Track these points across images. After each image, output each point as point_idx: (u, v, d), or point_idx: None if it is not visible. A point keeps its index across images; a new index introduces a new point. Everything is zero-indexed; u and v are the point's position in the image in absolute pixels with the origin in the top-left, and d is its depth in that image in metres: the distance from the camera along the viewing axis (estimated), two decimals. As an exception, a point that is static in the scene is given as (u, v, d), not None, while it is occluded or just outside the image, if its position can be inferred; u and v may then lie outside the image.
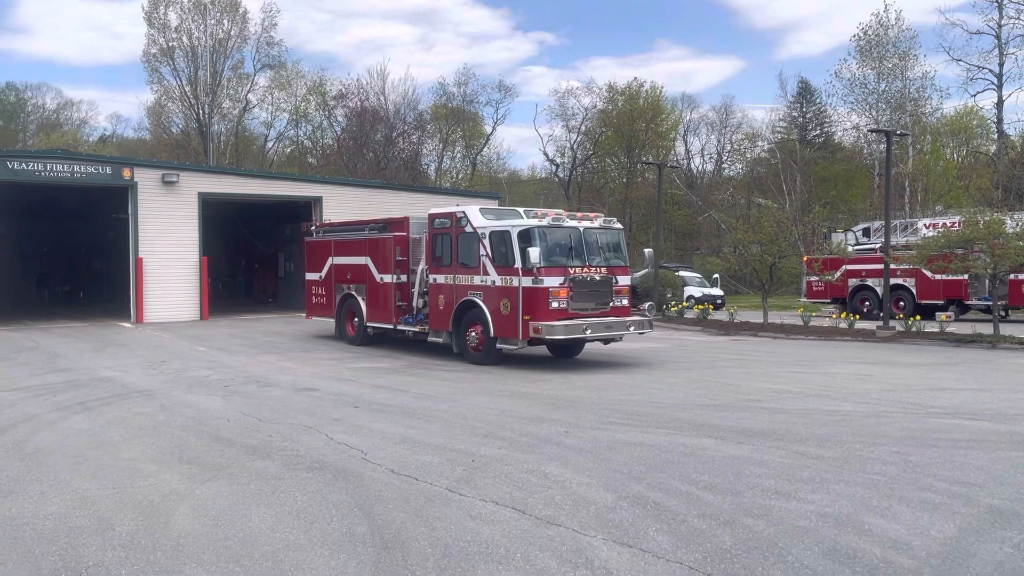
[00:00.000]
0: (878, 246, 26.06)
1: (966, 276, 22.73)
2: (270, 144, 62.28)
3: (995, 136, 48.66)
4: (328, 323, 19.48)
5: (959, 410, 10.09)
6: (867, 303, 26.60)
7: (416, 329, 16.32)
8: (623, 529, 5.55)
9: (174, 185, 24.99)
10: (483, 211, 15.07)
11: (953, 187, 44.15)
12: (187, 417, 9.77)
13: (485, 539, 5.39)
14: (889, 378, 13.09)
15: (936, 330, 19.22)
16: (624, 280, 14.83)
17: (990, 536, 5.47)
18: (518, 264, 13.77)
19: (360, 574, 4.85)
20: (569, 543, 5.30)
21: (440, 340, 15.64)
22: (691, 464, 7.30)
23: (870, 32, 46.01)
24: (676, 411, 10.04)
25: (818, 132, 57.86)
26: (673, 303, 27.22)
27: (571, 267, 13.94)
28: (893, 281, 23.73)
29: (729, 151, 62.85)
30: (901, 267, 23.75)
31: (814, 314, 24.18)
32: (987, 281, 21.46)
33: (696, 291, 31.78)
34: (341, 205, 26.82)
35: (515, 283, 13.85)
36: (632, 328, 14.75)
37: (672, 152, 59.09)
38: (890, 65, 45.75)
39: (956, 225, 22.03)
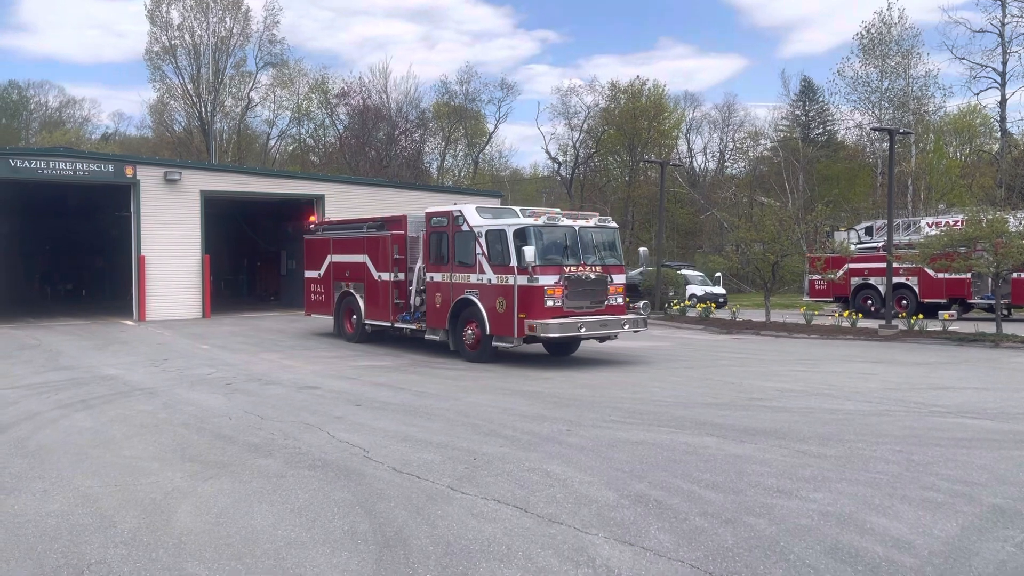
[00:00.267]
0: (881, 245, 26.03)
1: (969, 275, 22.67)
2: (272, 142, 62.34)
3: (998, 135, 48.56)
4: (329, 321, 19.53)
5: (962, 409, 10.07)
6: (870, 302, 26.57)
7: (413, 327, 16.43)
8: (625, 527, 5.55)
9: (176, 183, 25.00)
10: (479, 210, 15.14)
11: (956, 186, 44.05)
12: (189, 415, 9.78)
13: (487, 537, 5.39)
14: (891, 377, 13.08)
15: (939, 329, 19.19)
16: (619, 279, 14.91)
17: (992, 535, 5.46)
18: (514, 263, 13.88)
19: (362, 572, 4.86)
20: (571, 541, 5.30)
21: (437, 338, 15.73)
22: (693, 462, 7.30)
23: (873, 30, 45.95)
24: (678, 409, 10.04)
25: (821, 130, 57.80)
26: (675, 301, 27.20)
27: (566, 266, 14.04)
28: (896, 280, 23.68)
29: (732, 149, 62.80)
30: (904, 266, 23.70)
31: (816, 313, 24.16)
32: (990, 280, 21.39)
33: (698, 290, 31.75)
34: (343, 203, 26.84)
35: (511, 281, 13.95)
36: (627, 326, 14.84)
37: (674, 150, 59.02)
38: (893, 63, 45.69)
39: (959, 224, 22.00)
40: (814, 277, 27.36)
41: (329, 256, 19.29)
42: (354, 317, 18.38)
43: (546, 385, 12.19)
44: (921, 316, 20.85)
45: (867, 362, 15.07)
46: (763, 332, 21.04)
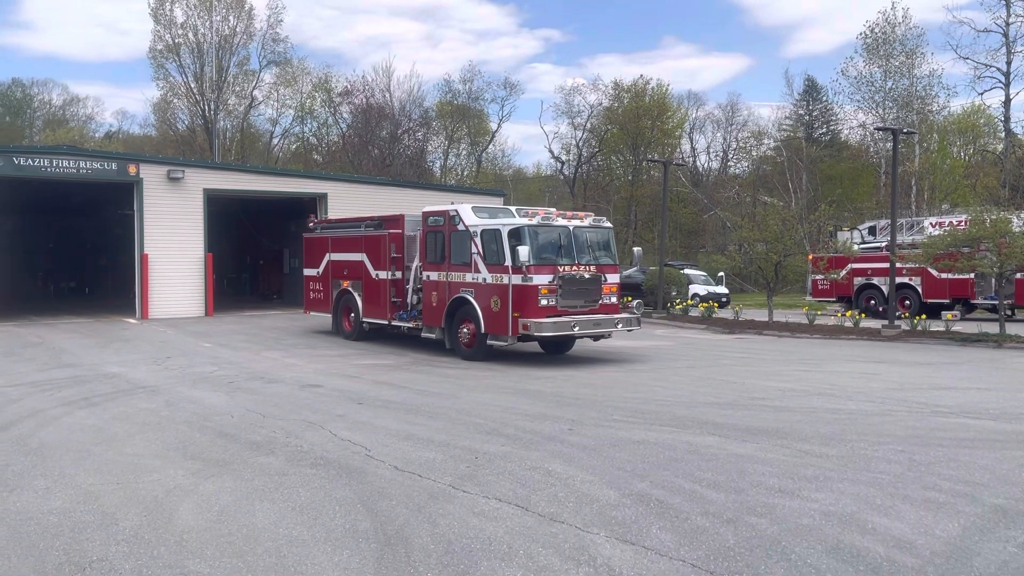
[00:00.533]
0: (884, 245, 25.98)
1: (972, 275, 22.64)
2: (275, 141, 62.34)
3: (1002, 135, 48.43)
4: (330, 319, 19.60)
5: (964, 409, 10.06)
6: (872, 302, 26.53)
7: (410, 325, 16.56)
8: (626, 527, 5.55)
9: (179, 181, 25.02)
10: (475, 209, 15.26)
11: (960, 186, 43.98)
12: (191, 413, 9.79)
13: (488, 536, 5.39)
14: (894, 377, 13.07)
15: (942, 329, 19.16)
16: (613, 278, 15.04)
17: (994, 535, 5.45)
18: (508, 262, 14.00)
19: (363, 570, 4.86)
20: (572, 540, 5.30)
21: (433, 336, 15.85)
22: (695, 462, 7.29)
23: (877, 30, 45.90)
24: (680, 409, 10.03)
25: (824, 130, 57.73)
26: (678, 301, 27.18)
27: (560, 265, 14.16)
28: (899, 280, 23.65)
29: (735, 149, 62.77)
30: (907, 266, 23.66)
31: (819, 313, 24.13)
32: (993, 280, 21.36)
33: (701, 289, 31.74)
34: (346, 202, 26.87)
35: (505, 281, 14.06)
36: (620, 325, 14.96)
37: (678, 150, 58.99)
38: (897, 63, 45.65)
39: (962, 224, 21.96)
40: (817, 277, 27.32)
41: (328, 255, 19.44)
42: (352, 315, 18.54)
43: (548, 384, 12.19)
44: (924, 316, 20.83)
45: (870, 362, 15.05)
46: (766, 332, 21.03)
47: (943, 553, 5.11)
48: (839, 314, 24.52)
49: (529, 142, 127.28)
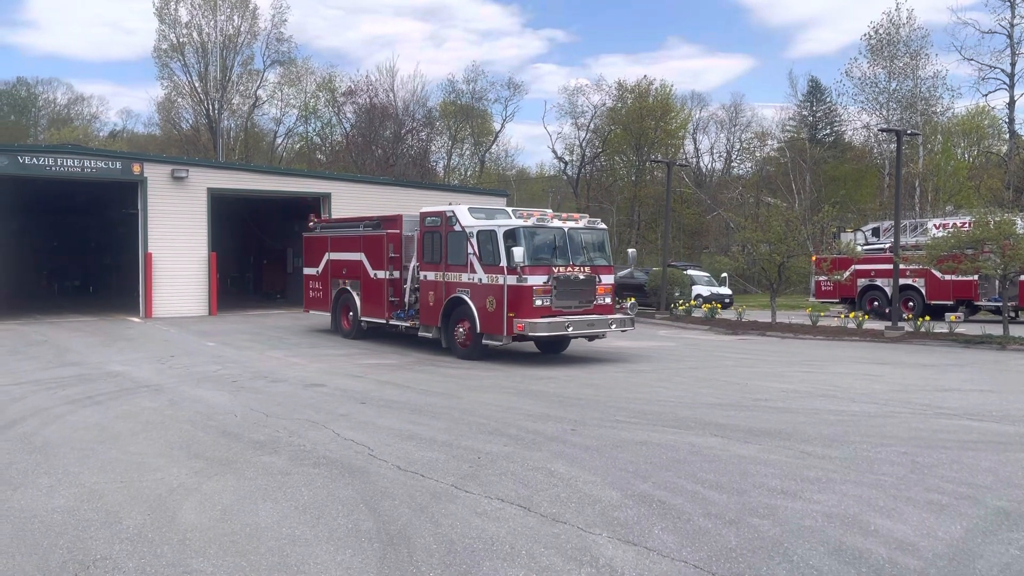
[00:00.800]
0: (887, 246, 25.94)
1: (976, 277, 22.60)
2: (279, 140, 62.44)
3: (1006, 136, 48.36)
4: (329, 317, 19.71)
5: (967, 411, 10.05)
6: (876, 303, 26.50)
7: (407, 324, 16.74)
8: (628, 527, 5.55)
9: (183, 180, 25.06)
10: (472, 210, 15.41)
11: (964, 187, 43.92)
12: (195, 412, 9.81)
13: (490, 536, 5.39)
14: (897, 379, 13.05)
15: (945, 331, 19.14)
16: (607, 279, 15.19)
17: (997, 538, 5.45)
18: (503, 263, 14.15)
19: (365, 569, 4.87)
20: (574, 541, 5.30)
21: (430, 335, 16.02)
22: (697, 463, 7.29)
23: (881, 31, 45.84)
24: (683, 410, 10.03)
25: (828, 131, 57.62)
26: (681, 302, 27.17)
27: (555, 266, 14.33)
28: (902, 281, 23.62)
29: (738, 150, 62.75)
30: (910, 267, 23.63)
31: (822, 314, 24.10)
32: (997, 282, 21.31)
33: (704, 290, 31.74)
34: (350, 202, 26.92)
35: (500, 281, 14.22)
36: (614, 326, 15.10)
37: (681, 150, 58.96)
38: (901, 64, 45.57)
39: (966, 225, 21.90)
40: (820, 278, 27.31)
41: (327, 254, 19.65)
42: (351, 314, 18.76)
43: (551, 384, 12.20)
44: (927, 318, 20.79)
45: (873, 364, 15.04)
46: (769, 333, 21.02)
47: (945, 555, 5.11)
48: (842, 315, 24.48)
49: (532, 142, 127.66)
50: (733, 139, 62.78)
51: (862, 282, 27.01)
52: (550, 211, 15.43)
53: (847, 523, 5.66)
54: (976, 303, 24.66)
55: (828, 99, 56.97)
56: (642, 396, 11.17)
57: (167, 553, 5.12)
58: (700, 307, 26.08)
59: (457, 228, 15.17)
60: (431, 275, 15.86)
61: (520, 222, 14.35)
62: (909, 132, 27.60)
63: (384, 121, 54.77)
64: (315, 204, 27.73)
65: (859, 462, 7.38)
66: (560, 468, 7.09)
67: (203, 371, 13.43)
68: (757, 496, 6.29)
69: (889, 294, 24.03)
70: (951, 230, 22.60)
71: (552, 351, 16.29)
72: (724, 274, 34.07)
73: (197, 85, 54.92)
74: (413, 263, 16.67)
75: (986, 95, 46.74)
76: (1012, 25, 43.34)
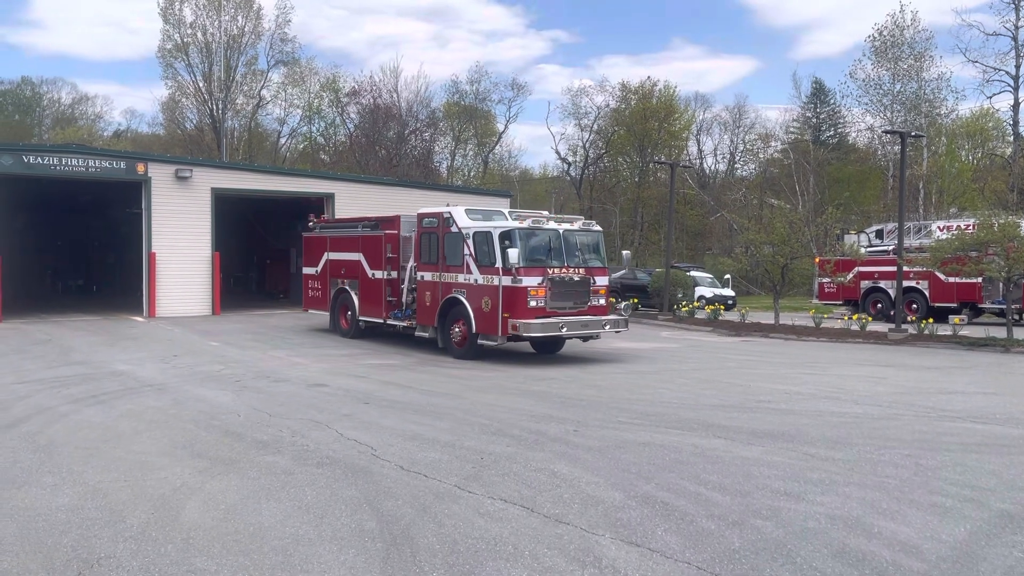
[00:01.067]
0: (891, 248, 25.91)
1: (980, 279, 22.57)
2: (283, 140, 62.57)
3: (1011, 138, 48.28)
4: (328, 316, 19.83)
5: (971, 414, 10.03)
6: (879, 305, 26.45)
7: (405, 324, 16.90)
8: (631, 528, 5.55)
9: (187, 180, 25.09)
10: (468, 212, 15.54)
11: (968, 189, 43.84)
12: (198, 411, 9.82)
13: (493, 536, 5.40)
14: (901, 381, 13.03)
15: (949, 333, 19.10)
16: (602, 280, 15.32)
17: (1000, 540, 5.44)
18: (499, 264, 14.29)
19: (368, 569, 4.87)
20: (577, 542, 5.30)
21: (426, 335, 16.17)
22: (700, 464, 7.29)
23: (885, 33, 45.80)
24: (686, 411, 10.03)
25: (832, 133, 57.64)
26: (684, 303, 27.17)
27: (550, 267, 14.48)
28: (906, 283, 23.58)
29: (742, 151, 62.72)
30: (914, 269, 23.60)
31: (826, 316, 24.07)
32: (1001, 284, 21.28)
33: (707, 291, 31.71)
34: (353, 202, 26.94)
35: (496, 282, 14.36)
36: (608, 327, 15.24)
37: (684, 152, 58.96)
38: (905, 66, 45.51)
39: (970, 228, 21.88)
40: (824, 280, 27.26)
41: (326, 254, 19.81)
42: (349, 313, 18.90)
43: (553, 385, 12.20)
44: (931, 320, 20.75)
45: (876, 366, 15.02)
46: (772, 335, 20.99)
47: (949, 558, 5.10)
48: (845, 317, 24.45)
49: (536, 143, 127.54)
50: (737, 141, 62.84)
51: (866, 284, 26.97)
52: (546, 213, 15.57)
53: (850, 525, 5.66)
54: (980, 305, 24.61)
55: (832, 101, 57.07)
56: (645, 397, 11.17)
57: (171, 552, 5.13)
58: (703, 308, 26.06)
59: (454, 229, 15.28)
60: (428, 275, 15.98)
61: (515, 224, 14.51)
62: (913, 134, 27.60)
63: (388, 122, 54.84)
64: (318, 204, 27.76)
65: (862, 464, 7.37)
66: (563, 469, 7.09)
67: (206, 371, 13.45)
68: (760, 498, 6.28)
69: (893, 296, 24.01)
70: (955, 232, 22.58)
71: (547, 351, 16.40)
72: (727, 275, 34.04)
73: (201, 85, 55.03)
74: (410, 263, 16.82)
75: (990, 97, 46.94)
76: (1017, 27, 43.35)
